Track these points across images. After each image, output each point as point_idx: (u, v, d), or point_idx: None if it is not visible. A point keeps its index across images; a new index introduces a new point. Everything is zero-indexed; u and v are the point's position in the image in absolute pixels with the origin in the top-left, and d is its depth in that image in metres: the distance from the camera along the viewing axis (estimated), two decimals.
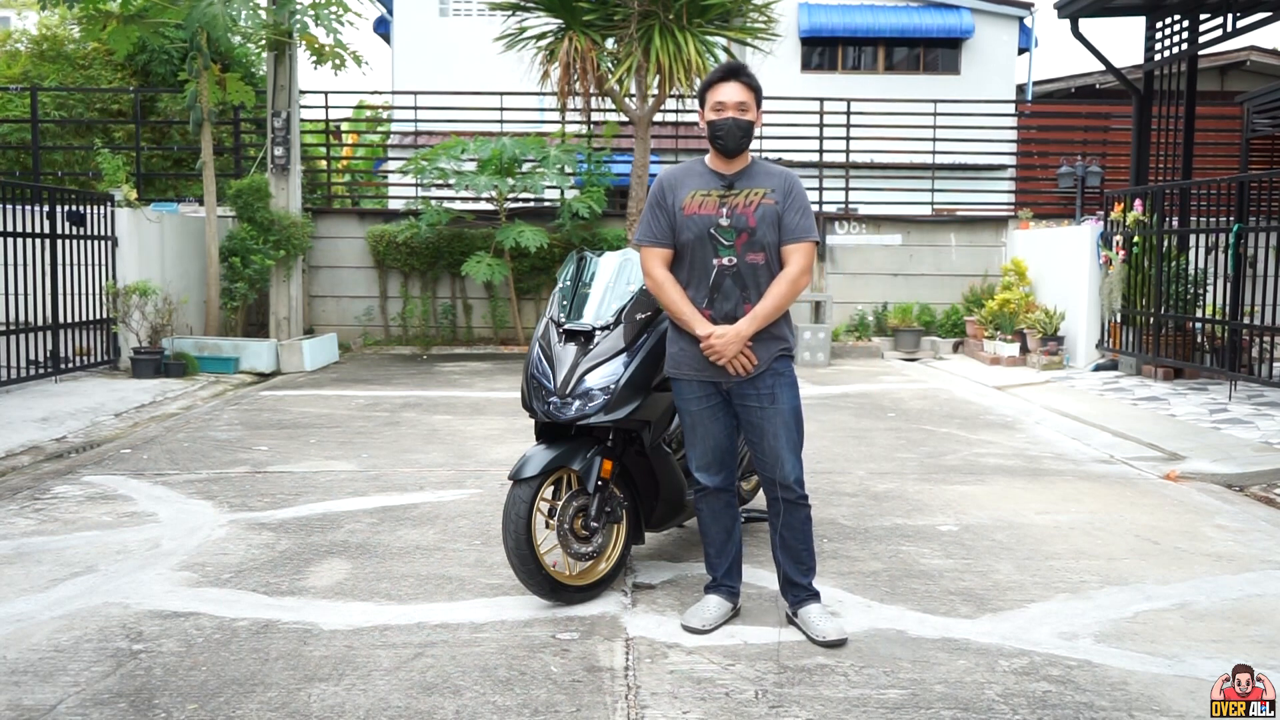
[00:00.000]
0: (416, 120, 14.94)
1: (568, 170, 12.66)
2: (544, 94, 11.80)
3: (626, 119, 12.07)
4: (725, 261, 3.54)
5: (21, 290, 8.70)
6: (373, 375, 10.69)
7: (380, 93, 17.56)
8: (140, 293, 9.93)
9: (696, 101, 3.70)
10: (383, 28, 20.92)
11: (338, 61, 11.56)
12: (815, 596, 3.69)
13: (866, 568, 4.33)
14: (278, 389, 9.65)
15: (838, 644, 3.50)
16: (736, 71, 3.61)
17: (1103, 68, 11.17)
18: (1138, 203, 9.97)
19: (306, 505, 5.32)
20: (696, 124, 15.79)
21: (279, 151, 11.67)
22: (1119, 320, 10.40)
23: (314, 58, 11.65)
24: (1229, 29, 9.43)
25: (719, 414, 3.64)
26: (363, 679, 3.21)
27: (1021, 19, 19.74)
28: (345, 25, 10.92)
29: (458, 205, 13.37)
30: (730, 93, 3.56)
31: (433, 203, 12.83)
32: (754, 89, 3.60)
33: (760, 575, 4.15)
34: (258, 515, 5.12)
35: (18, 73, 15.61)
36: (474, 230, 12.82)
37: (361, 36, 41.57)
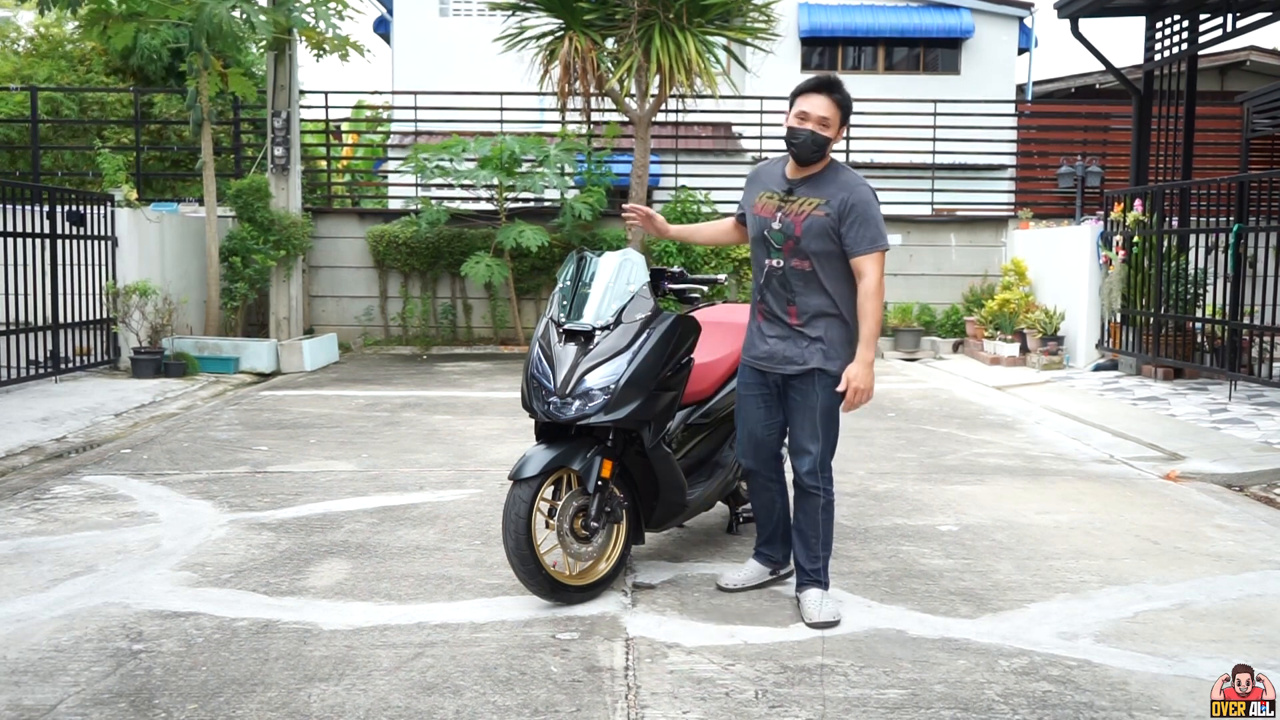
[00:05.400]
0: (416, 120, 14.93)
1: (568, 170, 12.65)
2: (544, 94, 11.79)
3: (626, 119, 12.07)
4: (774, 263, 3.66)
5: (21, 290, 8.70)
6: (373, 375, 10.69)
7: (380, 93, 17.55)
8: (140, 293, 9.93)
9: (787, 102, 3.70)
10: (383, 28, 20.91)
11: (342, 53, 11.53)
12: (817, 583, 3.78)
13: (866, 568, 4.34)
14: (278, 389, 9.65)
15: (822, 625, 3.63)
16: (831, 86, 3.58)
17: (1103, 68, 11.18)
18: (1138, 203, 9.97)
19: (306, 505, 5.32)
20: (696, 124, 15.89)
21: (279, 151, 11.67)
22: (1119, 320, 10.40)
23: (314, 51, 11.63)
24: (1229, 29, 9.44)
25: (760, 404, 3.78)
26: (363, 679, 3.21)
27: (1021, 19, 19.75)
28: (344, 20, 10.91)
29: (457, 204, 13.37)
30: (817, 105, 3.55)
31: (433, 202, 12.82)
32: (842, 106, 3.57)
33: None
34: (258, 515, 5.12)
35: (10, 70, 15.60)
36: (474, 230, 12.82)
37: (361, 36, 41.56)
